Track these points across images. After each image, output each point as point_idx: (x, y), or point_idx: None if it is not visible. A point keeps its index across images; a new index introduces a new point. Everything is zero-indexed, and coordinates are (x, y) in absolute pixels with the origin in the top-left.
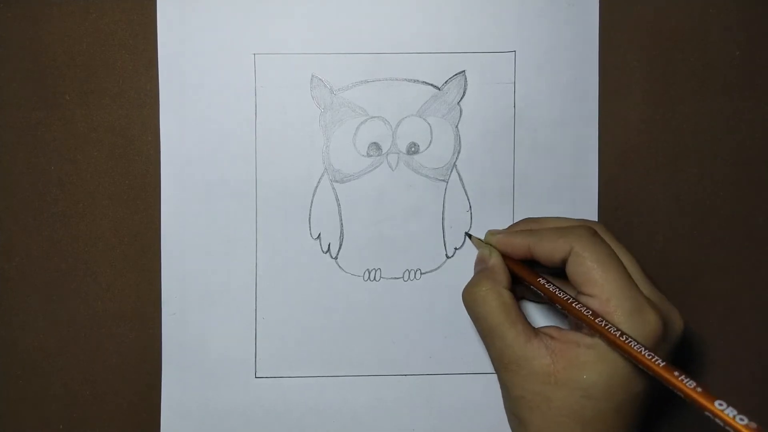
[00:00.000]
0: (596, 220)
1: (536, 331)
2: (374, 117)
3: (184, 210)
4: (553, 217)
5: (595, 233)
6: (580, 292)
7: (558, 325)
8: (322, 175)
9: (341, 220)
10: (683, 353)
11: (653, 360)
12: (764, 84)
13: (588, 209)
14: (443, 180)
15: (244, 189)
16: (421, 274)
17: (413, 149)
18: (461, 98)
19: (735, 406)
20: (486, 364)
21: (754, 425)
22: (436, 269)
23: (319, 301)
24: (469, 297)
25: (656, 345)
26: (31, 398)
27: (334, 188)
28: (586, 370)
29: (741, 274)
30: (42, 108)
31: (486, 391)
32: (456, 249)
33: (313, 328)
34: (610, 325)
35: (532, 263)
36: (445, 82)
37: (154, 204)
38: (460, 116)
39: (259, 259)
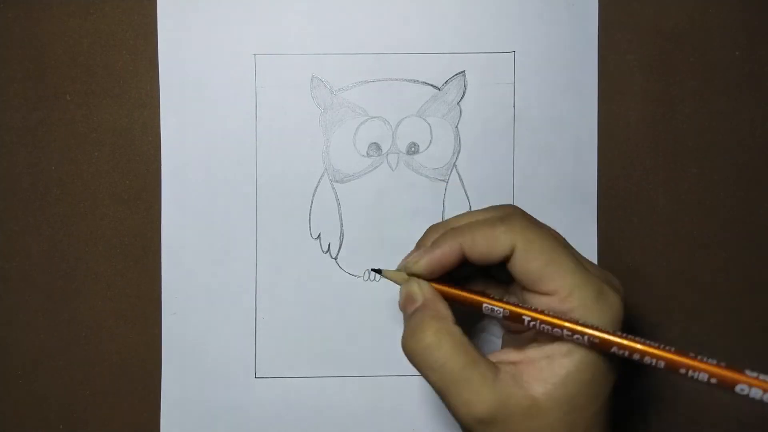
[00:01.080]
0: (596, 220)
1: (494, 363)
2: (374, 117)
3: (184, 210)
4: (459, 215)
5: (529, 218)
6: (532, 291)
7: (504, 349)
8: (322, 175)
9: (341, 220)
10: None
11: (664, 348)
12: (764, 84)
13: (588, 209)
14: (443, 180)
15: (244, 189)
16: None
17: (413, 149)
18: (461, 98)
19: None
20: None
21: None
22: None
23: (319, 301)
24: (417, 347)
25: (621, 322)
26: (31, 398)
27: (334, 188)
28: (568, 383)
29: (741, 274)
30: (42, 108)
31: None
32: None
33: (313, 328)
34: (583, 323)
35: (450, 275)
36: (445, 83)
37: (154, 204)
38: (460, 116)
39: (259, 259)
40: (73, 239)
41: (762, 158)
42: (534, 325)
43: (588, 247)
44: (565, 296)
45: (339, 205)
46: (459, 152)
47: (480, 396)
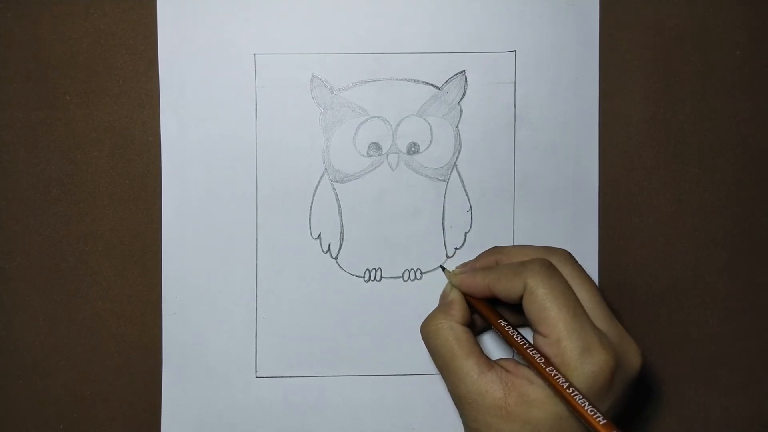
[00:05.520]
0: (596, 220)
1: (492, 364)
2: (374, 117)
3: (184, 210)
4: (518, 245)
5: (550, 267)
6: (535, 331)
7: (515, 359)
8: (323, 175)
9: (341, 220)
10: (684, 354)
11: (594, 416)
12: (764, 84)
13: (588, 209)
14: (443, 180)
15: (244, 189)
16: (421, 273)
17: (413, 149)
18: (461, 98)
19: None
20: None
21: None
22: (436, 269)
23: (319, 301)
24: (425, 330)
25: (607, 384)
26: (31, 398)
27: (334, 188)
28: (535, 407)
29: (741, 274)
30: (42, 108)
31: None
32: (456, 249)
33: (313, 328)
34: (558, 375)
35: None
36: (446, 82)
37: (154, 204)
38: (461, 116)
39: (259, 259)
40: (72, 239)
41: (762, 158)
42: (514, 351)
43: (589, 247)
44: (554, 341)
45: (339, 205)
46: (459, 152)
47: (462, 383)
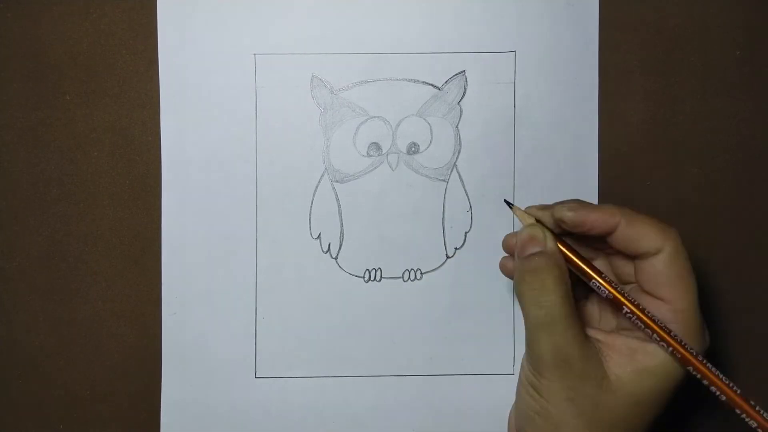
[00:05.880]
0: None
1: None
2: (374, 117)
3: (184, 210)
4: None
5: (683, 249)
6: (646, 292)
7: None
8: (322, 175)
9: (341, 220)
10: None
11: (729, 385)
12: (764, 84)
13: None
14: (443, 180)
15: (244, 189)
16: (421, 274)
17: (413, 149)
18: (461, 98)
19: None
20: (486, 365)
21: None
22: (436, 269)
23: (319, 301)
24: (534, 284)
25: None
26: (31, 398)
27: (334, 188)
28: (645, 378)
29: (741, 274)
30: (42, 108)
31: (486, 392)
32: (456, 249)
33: (313, 328)
34: (683, 341)
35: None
36: (445, 82)
37: (154, 204)
38: (460, 116)
39: (259, 259)
40: (72, 239)
41: (762, 158)
42: (629, 317)
43: None
44: (677, 310)
45: (339, 205)
46: (459, 152)
47: (566, 346)
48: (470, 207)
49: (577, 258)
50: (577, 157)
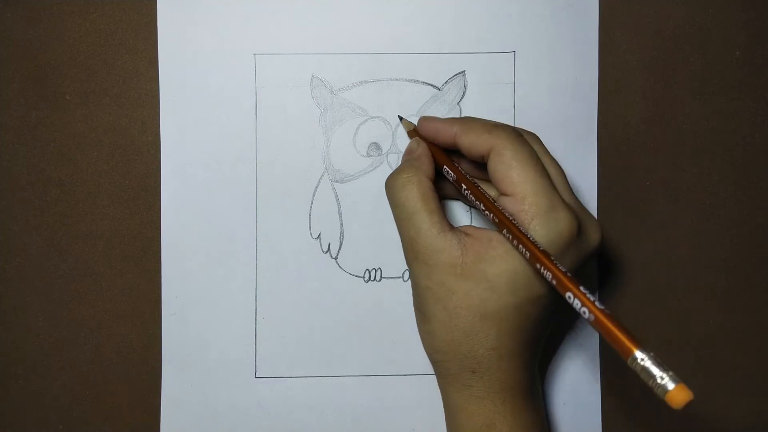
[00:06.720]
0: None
1: (452, 226)
2: (374, 117)
3: (184, 210)
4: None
5: (519, 135)
6: (500, 193)
7: (473, 225)
8: (322, 175)
9: (341, 220)
10: (683, 354)
11: (558, 266)
12: (764, 84)
13: (588, 209)
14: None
15: (244, 189)
16: None
17: None
18: (461, 98)
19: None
20: None
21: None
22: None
23: (319, 301)
24: (390, 183)
25: (567, 246)
26: (31, 398)
27: (334, 188)
28: (492, 263)
29: (740, 274)
30: (42, 108)
31: None
32: None
33: (313, 328)
34: (521, 226)
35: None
36: (445, 82)
37: (154, 204)
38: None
39: (259, 259)
40: (72, 239)
41: (762, 158)
42: (475, 205)
43: None
44: (519, 199)
45: (339, 205)
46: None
47: (421, 238)
48: (470, 207)
49: (444, 159)
50: (577, 156)
